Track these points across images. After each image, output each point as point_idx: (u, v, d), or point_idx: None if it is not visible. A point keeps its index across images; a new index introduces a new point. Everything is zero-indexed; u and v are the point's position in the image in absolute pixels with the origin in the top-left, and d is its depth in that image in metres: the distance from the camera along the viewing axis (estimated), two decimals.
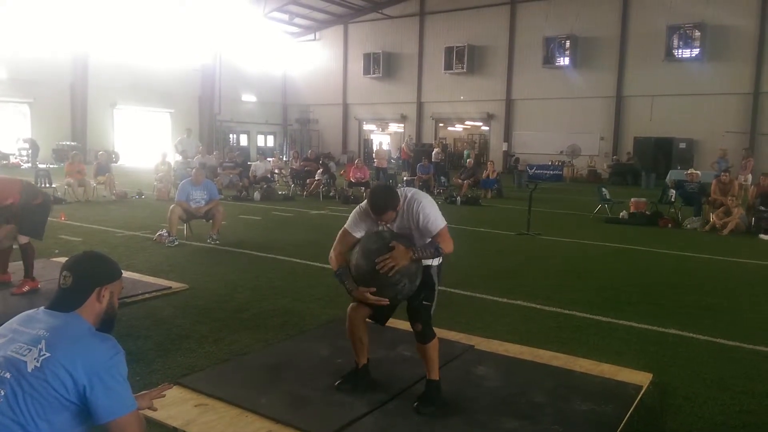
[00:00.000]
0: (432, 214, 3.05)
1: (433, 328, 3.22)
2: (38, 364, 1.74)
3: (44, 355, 1.75)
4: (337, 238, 3.22)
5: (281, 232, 9.48)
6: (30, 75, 23.89)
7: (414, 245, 3.02)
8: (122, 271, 2.12)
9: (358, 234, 3.17)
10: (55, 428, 1.74)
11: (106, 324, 1.97)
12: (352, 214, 3.23)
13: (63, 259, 6.25)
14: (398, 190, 3.14)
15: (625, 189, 18.67)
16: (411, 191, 3.17)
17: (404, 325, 3.57)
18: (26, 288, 5.18)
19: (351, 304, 3.30)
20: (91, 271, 1.97)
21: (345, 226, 3.23)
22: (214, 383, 3.41)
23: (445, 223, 3.10)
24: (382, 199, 3.02)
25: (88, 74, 25.89)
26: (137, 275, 5.91)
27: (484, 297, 5.65)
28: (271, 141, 35.17)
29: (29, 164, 22.12)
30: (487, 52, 28.64)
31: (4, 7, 22.79)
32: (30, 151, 23.16)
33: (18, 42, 23.39)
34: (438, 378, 3.22)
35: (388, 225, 3.10)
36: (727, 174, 11.78)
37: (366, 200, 3.12)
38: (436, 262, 3.21)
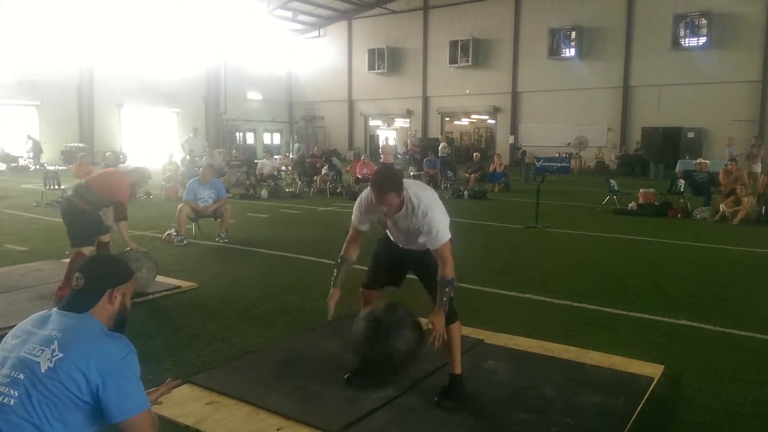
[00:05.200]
0: (441, 228, 2.98)
1: None
2: (51, 365, 1.75)
3: (57, 355, 1.76)
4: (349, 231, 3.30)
5: (289, 229, 9.50)
6: (37, 77, 23.98)
7: (439, 305, 2.96)
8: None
9: (365, 227, 3.22)
10: (69, 428, 1.75)
11: (119, 324, 1.99)
12: (354, 208, 3.23)
13: None
14: (408, 189, 3.04)
15: (633, 180, 18.57)
16: (423, 196, 3.06)
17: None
18: None
19: (360, 289, 3.37)
20: (102, 273, 1.98)
21: (352, 221, 3.26)
22: (225, 381, 3.43)
23: (449, 236, 3.02)
24: (383, 179, 2.96)
25: (95, 76, 25.99)
26: None
27: (493, 291, 5.64)
28: (277, 138, 35.21)
29: (36, 166, 22.28)
30: (492, 45, 28.50)
31: (12, 10, 22.89)
32: (32, 153, 23.24)
33: (25, 45, 23.50)
34: (460, 372, 3.22)
35: (389, 218, 3.07)
36: (733, 164, 11.69)
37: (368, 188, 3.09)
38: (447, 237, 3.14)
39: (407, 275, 3.42)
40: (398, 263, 3.30)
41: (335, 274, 3.25)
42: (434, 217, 2.98)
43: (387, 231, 3.34)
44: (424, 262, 3.16)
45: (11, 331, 1.93)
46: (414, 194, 3.04)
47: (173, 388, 2.29)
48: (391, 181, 2.96)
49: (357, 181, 15.14)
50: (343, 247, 3.29)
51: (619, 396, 3.26)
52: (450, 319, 3.16)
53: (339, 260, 3.27)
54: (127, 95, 27.20)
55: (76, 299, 1.92)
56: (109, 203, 5.36)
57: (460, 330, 3.24)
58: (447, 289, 2.97)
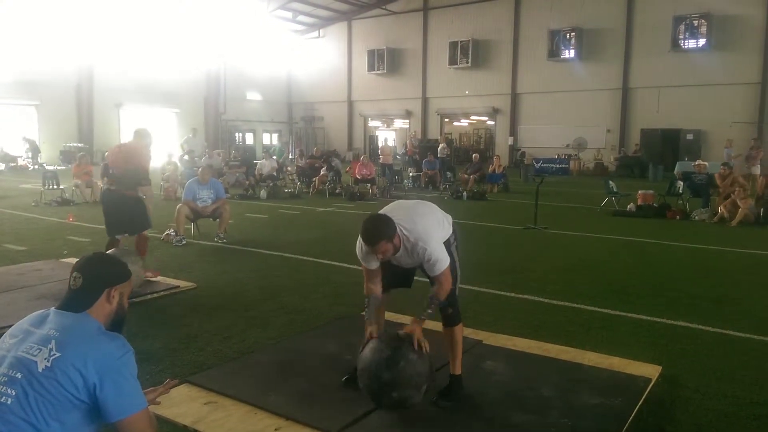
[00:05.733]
0: (440, 258, 2.99)
1: None
2: (49, 364, 1.75)
3: (54, 354, 1.76)
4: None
5: (288, 230, 9.50)
6: (36, 77, 23.96)
7: (421, 315, 3.02)
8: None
9: (374, 266, 3.14)
10: (66, 428, 1.75)
11: (116, 324, 1.99)
12: (357, 250, 3.15)
13: (72, 260, 6.30)
14: (400, 226, 2.97)
15: (632, 181, 18.58)
16: (416, 228, 2.99)
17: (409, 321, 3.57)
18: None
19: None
20: (101, 273, 1.98)
21: (361, 261, 3.20)
22: (223, 381, 3.43)
23: (448, 262, 3.03)
24: (373, 229, 2.91)
25: (94, 75, 25.99)
26: None
27: (492, 292, 5.64)
28: (276, 139, 35.22)
29: (34, 166, 22.29)
30: (491, 46, 28.52)
31: (11, 10, 22.87)
32: (30, 153, 23.29)
33: (24, 44, 23.48)
34: (460, 373, 3.24)
35: (390, 258, 3.04)
36: (725, 168, 11.70)
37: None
38: (449, 235, 3.20)
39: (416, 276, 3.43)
40: (407, 268, 3.29)
41: (366, 314, 3.19)
42: (433, 249, 2.98)
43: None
44: None
45: (9, 330, 1.93)
46: (407, 230, 2.98)
47: (171, 387, 2.29)
48: (381, 230, 2.89)
49: (356, 181, 15.14)
50: (365, 287, 3.22)
51: (617, 397, 3.26)
52: (454, 321, 3.19)
53: (366, 300, 3.22)
54: (126, 95, 27.18)
55: (74, 298, 1.92)
56: (141, 173, 5.55)
57: (462, 332, 3.26)
58: (434, 305, 3.03)
